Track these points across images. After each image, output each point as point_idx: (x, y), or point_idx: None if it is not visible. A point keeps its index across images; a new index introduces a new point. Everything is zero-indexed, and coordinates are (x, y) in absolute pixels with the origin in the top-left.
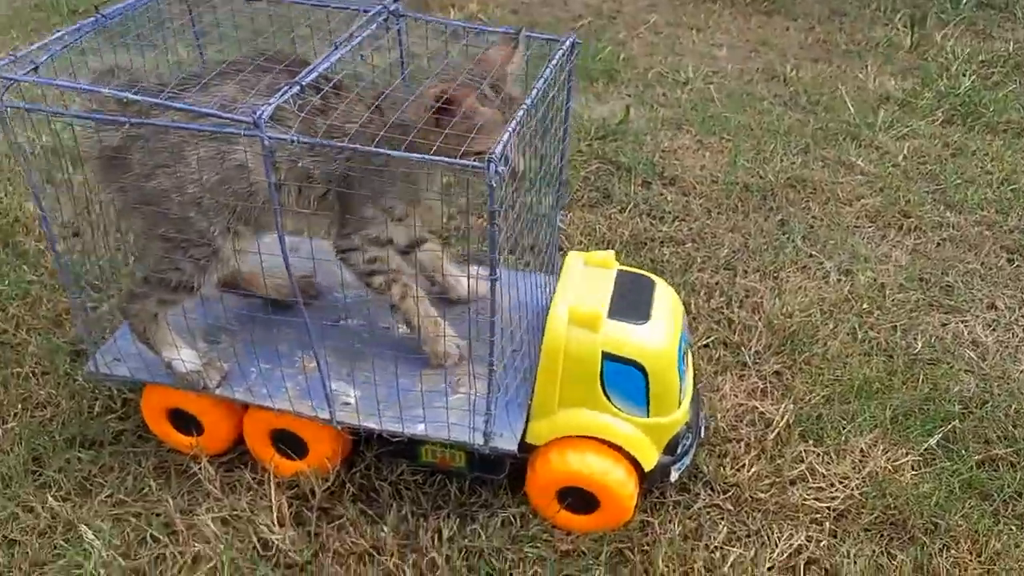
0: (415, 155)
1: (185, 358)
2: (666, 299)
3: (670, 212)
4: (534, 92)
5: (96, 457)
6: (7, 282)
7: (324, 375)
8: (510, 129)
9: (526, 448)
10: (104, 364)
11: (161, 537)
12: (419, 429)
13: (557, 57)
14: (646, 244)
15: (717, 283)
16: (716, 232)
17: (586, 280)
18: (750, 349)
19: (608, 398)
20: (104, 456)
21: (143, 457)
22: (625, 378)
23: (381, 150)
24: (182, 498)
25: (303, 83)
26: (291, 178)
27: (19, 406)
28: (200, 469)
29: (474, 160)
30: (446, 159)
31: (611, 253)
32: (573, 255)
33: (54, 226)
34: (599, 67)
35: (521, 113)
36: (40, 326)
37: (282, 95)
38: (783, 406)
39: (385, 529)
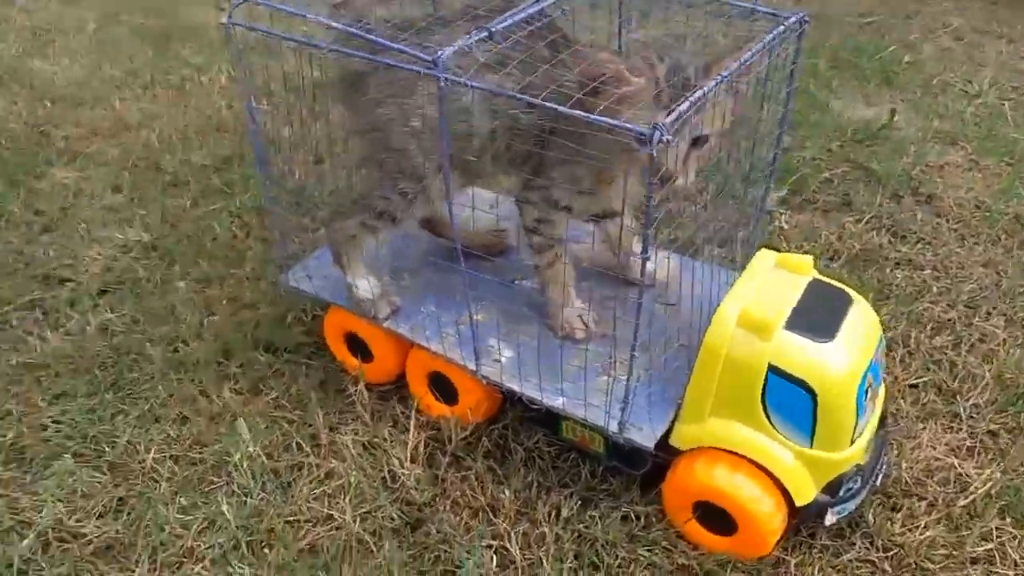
0: (576, 112)
1: (363, 286)
2: (862, 321)
3: (915, 232)
4: (726, 70)
5: (273, 361)
6: (248, 195)
7: (473, 328)
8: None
9: (669, 449)
10: (294, 279)
11: (305, 447)
12: (558, 402)
13: (775, 34)
14: (877, 262)
15: (949, 320)
16: (965, 263)
17: (772, 283)
18: (967, 400)
19: (768, 417)
20: (280, 362)
21: (312, 371)
22: (791, 399)
23: (547, 104)
24: (334, 415)
25: (493, 29)
26: (502, 129)
27: (226, 303)
28: (356, 393)
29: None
30: (607, 120)
31: (809, 258)
32: (765, 253)
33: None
34: (875, 67)
35: (699, 92)
36: (265, 236)
37: (468, 40)
38: (988, 471)
39: (507, 491)
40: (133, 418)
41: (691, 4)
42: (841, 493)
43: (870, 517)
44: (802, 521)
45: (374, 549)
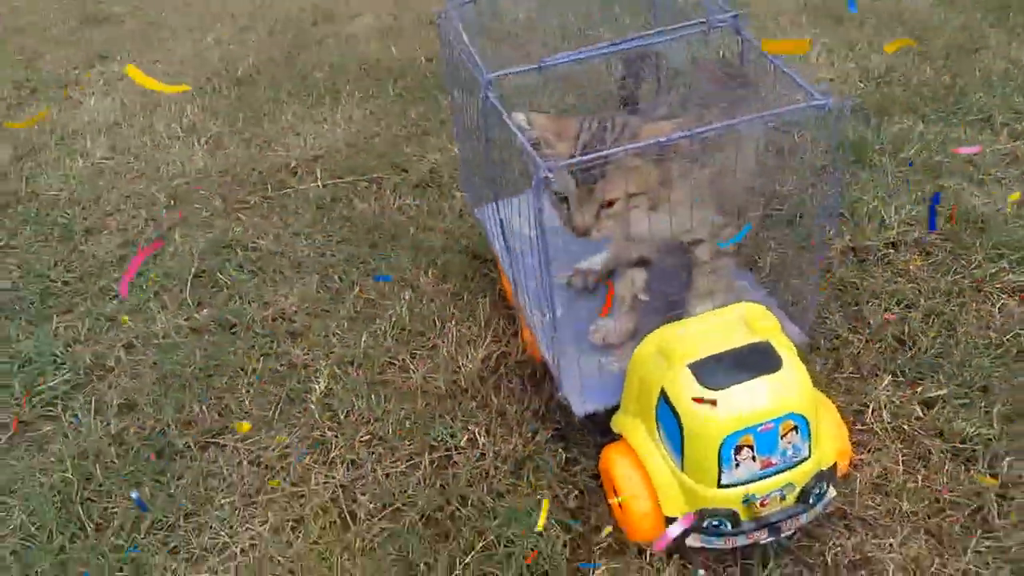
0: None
1: None
2: (769, 394)
3: None
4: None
5: None
6: None
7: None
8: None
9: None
10: None
11: None
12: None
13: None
14: None
15: None
16: None
17: (723, 328)
18: None
19: (658, 430)
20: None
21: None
22: (671, 423)
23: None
24: None
25: None
26: None
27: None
28: None
29: None
30: None
31: (774, 322)
32: (743, 304)
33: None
34: None
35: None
36: None
37: None
38: None
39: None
40: None
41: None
42: (704, 524)
43: None
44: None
45: None
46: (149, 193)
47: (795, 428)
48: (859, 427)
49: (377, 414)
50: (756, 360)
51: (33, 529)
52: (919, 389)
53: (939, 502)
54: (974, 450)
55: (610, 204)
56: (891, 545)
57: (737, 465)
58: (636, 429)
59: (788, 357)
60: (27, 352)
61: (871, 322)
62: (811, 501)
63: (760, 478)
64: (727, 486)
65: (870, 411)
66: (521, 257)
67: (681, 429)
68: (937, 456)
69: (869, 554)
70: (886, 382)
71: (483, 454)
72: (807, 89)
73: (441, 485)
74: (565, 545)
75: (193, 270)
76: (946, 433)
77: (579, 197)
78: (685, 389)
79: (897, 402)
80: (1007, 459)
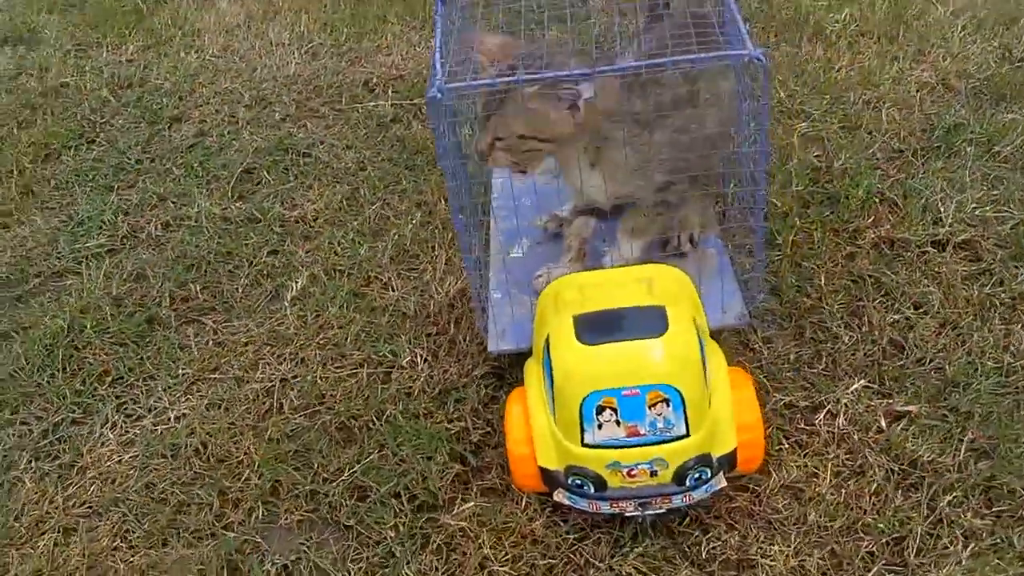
0: None
1: None
2: (639, 357)
3: None
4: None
5: None
6: None
7: None
8: None
9: None
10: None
11: None
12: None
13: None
14: None
15: None
16: None
17: (626, 281)
18: None
19: (545, 377)
20: None
21: None
22: (549, 373)
23: None
24: None
25: None
26: None
27: None
28: None
29: None
30: None
31: (687, 295)
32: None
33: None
34: None
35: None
36: None
37: None
38: None
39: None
40: None
41: None
42: (569, 481)
43: None
44: (547, 483)
45: None
46: (237, 92)
47: (666, 400)
48: (803, 426)
49: (342, 322)
50: (639, 323)
51: (22, 363)
52: (890, 400)
53: (857, 523)
54: (921, 477)
55: (498, 139)
56: (780, 554)
57: (600, 426)
58: (532, 375)
59: (677, 327)
60: (82, 215)
61: (871, 321)
62: (688, 483)
63: (626, 446)
64: (591, 446)
65: (823, 412)
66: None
67: (552, 380)
68: (876, 474)
69: (751, 557)
70: (856, 386)
71: (416, 377)
72: (743, 38)
73: (367, 397)
74: (452, 479)
75: (244, 165)
76: (898, 453)
77: (479, 122)
78: (562, 339)
79: (860, 410)
80: (953, 494)
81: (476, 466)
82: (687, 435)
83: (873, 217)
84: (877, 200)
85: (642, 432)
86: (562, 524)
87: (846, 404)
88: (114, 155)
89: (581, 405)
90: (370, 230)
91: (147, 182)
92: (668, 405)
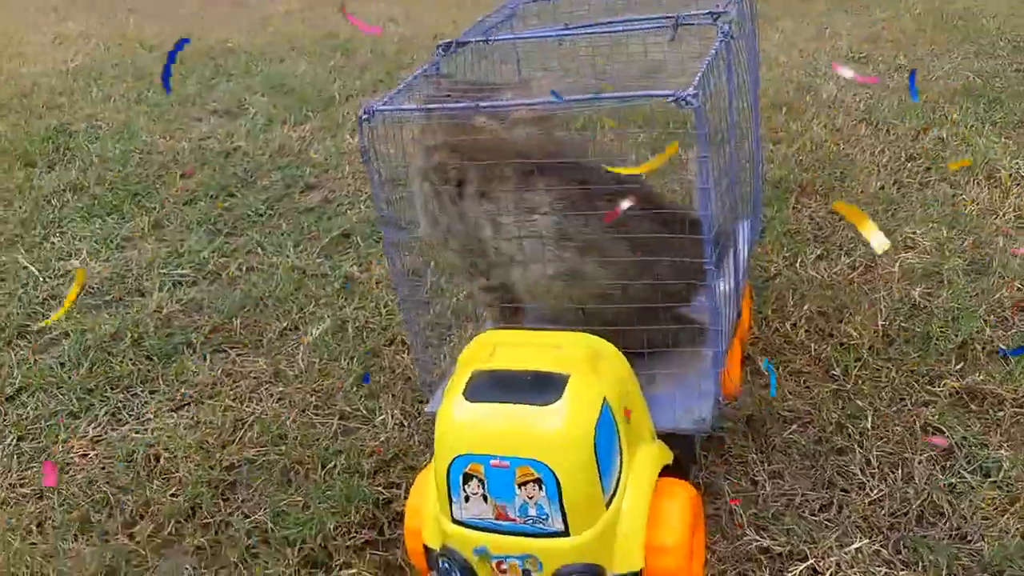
0: None
1: None
2: (513, 423)
3: None
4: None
5: None
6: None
7: None
8: None
9: None
10: None
11: None
12: None
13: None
14: None
15: None
16: None
17: (527, 345)
18: None
19: None
20: None
21: None
22: None
23: None
24: None
25: None
26: None
27: None
28: None
29: None
30: None
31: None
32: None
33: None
34: None
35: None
36: None
37: None
38: None
39: None
40: None
41: None
42: (440, 564)
43: None
44: (429, 564)
45: None
46: None
47: (538, 483)
48: None
49: (343, 375)
50: (533, 389)
51: (63, 359)
52: (899, 573)
53: None
54: None
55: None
56: None
57: (467, 499)
58: None
59: (572, 400)
60: (185, 249)
61: (915, 476)
62: None
63: (496, 530)
64: (459, 523)
65: (802, 566)
66: None
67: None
68: None
69: None
70: (861, 545)
71: (378, 436)
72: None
73: (324, 446)
74: (356, 544)
75: (343, 229)
76: None
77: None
78: (451, 394)
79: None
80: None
81: (389, 537)
82: (565, 533)
83: (963, 364)
84: (979, 348)
85: (511, 516)
86: None
87: (838, 564)
88: (243, 207)
89: (449, 469)
90: (422, 298)
91: (255, 232)
92: (540, 490)
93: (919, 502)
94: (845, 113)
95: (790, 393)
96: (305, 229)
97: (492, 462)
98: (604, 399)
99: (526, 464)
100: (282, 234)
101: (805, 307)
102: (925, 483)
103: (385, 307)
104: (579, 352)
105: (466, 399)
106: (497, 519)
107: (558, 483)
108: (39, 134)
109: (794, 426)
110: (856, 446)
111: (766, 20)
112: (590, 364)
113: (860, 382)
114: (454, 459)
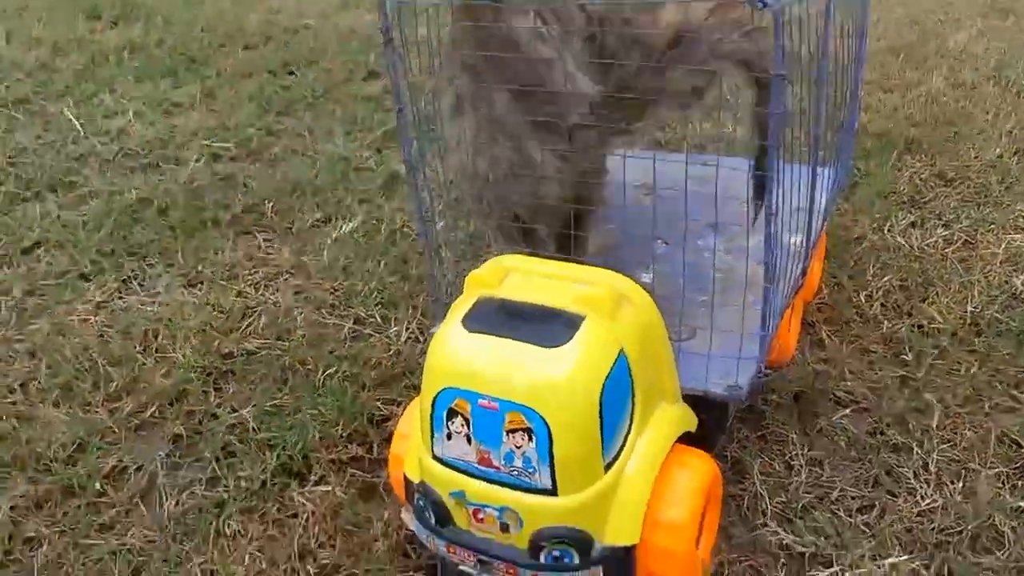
0: None
1: None
2: (504, 357)
3: None
4: None
5: None
6: None
7: None
8: None
9: None
10: None
11: None
12: None
13: None
14: None
15: None
16: None
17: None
18: None
19: None
20: None
21: None
22: None
23: None
24: None
25: None
26: None
27: None
28: None
29: None
30: None
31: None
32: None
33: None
34: None
35: None
36: None
37: None
38: None
39: None
40: None
41: None
42: (416, 500)
43: None
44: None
45: None
46: None
47: (528, 432)
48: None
49: (365, 277)
50: (540, 325)
51: (97, 222)
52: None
53: None
54: None
55: None
56: None
57: (449, 436)
58: None
59: (582, 346)
60: (237, 120)
61: (978, 491)
62: (543, 560)
63: (476, 476)
64: (438, 460)
65: (825, 573)
66: None
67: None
68: None
69: None
70: (899, 561)
71: (389, 347)
72: None
73: (331, 350)
74: (339, 460)
75: None
76: None
77: None
78: (450, 319)
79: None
80: None
81: (375, 458)
82: (553, 492)
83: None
84: None
85: (495, 464)
86: (413, 557)
87: None
88: (300, 87)
89: (435, 401)
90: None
91: (307, 115)
92: (530, 440)
93: (977, 522)
94: (972, 67)
95: (850, 372)
96: (359, 120)
97: (480, 401)
98: (622, 349)
99: (517, 410)
100: (334, 121)
101: (886, 278)
102: (988, 501)
103: (425, 213)
104: (602, 292)
105: (464, 327)
106: (480, 463)
107: (550, 437)
108: None
109: (847, 411)
110: (915, 445)
111: None
112: (612, 307)
113: (933, 373)
114: (440, 391)
